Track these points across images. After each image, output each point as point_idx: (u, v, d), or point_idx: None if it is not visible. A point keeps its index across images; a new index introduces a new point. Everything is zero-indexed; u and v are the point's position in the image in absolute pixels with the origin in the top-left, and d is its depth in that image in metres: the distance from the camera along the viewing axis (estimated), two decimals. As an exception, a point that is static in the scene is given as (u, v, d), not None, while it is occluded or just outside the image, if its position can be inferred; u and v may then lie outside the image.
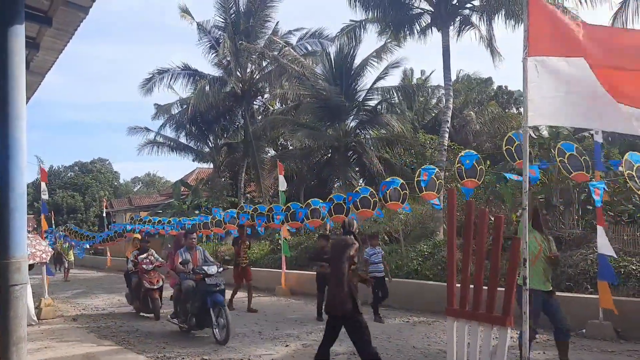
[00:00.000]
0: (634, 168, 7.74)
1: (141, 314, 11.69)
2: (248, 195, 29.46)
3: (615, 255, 8.77)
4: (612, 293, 8.05)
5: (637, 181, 7.69)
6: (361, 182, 24.77)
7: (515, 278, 4.36)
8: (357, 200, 12.36)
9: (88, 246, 25.41)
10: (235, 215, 16.69)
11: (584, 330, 8.11)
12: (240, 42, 25.41)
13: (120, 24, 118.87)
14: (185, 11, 26.58)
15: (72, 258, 24.76)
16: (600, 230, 8.20)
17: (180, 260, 9.19)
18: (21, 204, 3.85)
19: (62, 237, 25.49)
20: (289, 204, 15.07)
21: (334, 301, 5.61)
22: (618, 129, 4.51)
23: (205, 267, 8.76)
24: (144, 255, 11.70)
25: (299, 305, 12.76)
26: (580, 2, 17.91)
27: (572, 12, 18.06)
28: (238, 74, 26.64)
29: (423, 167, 11.57)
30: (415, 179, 11.11)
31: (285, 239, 15.40)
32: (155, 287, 11.15)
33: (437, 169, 11.84)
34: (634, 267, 9.58)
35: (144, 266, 11.39)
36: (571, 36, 4.38)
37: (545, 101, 4.27)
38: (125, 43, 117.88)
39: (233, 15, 26.50)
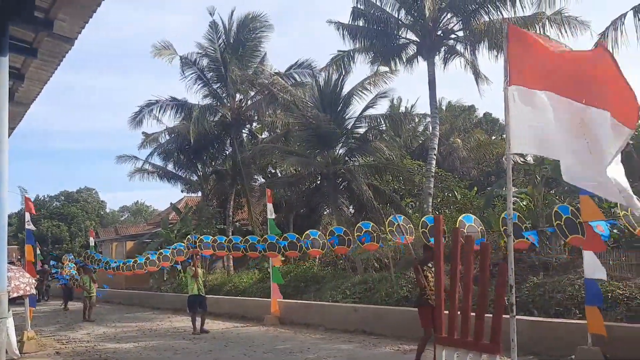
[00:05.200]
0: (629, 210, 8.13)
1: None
2: (237, 223, 29.34)
3: (605, 278, 8.85)
4: (600, 318, 8.09)
5: (631, 217, 8.21)
6: (351, 209, 24.80)
7: (503, 304, 4.40)
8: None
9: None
10: (224, 242, 16.75)
11: (573, 357, 8.11)
12: (228, 71, 25.64)
13: (112, 53, 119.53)
14: (164, 47, 26.61)
15: (94, 292, 18.79)
16: (588, 254, 8.28)
17: None
18: (1, 236, 3.77)
19: (81, 265, 21.38)
20: (285, 235, 15.29)
21: None
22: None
23: None
24: None
25: (289, 335, 12.63)
26: (561, 33, 18.46)
27: (554, 41, 18.51)
28: (227, 102, 26.83)
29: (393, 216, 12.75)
30: (387, 228, 12.20)
31: (276, 267, 15.32)
32: None
33: (403, 217, 12.82)
34: (620, 292, 9.65)
35: None
36: (549, 69, 4.49)
37: (525, 130, 4.37)
38: (115, 73, 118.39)
39: (222, 45, 26.79)
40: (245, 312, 16.78)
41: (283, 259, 16.30)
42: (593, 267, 8.13)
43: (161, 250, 19.89)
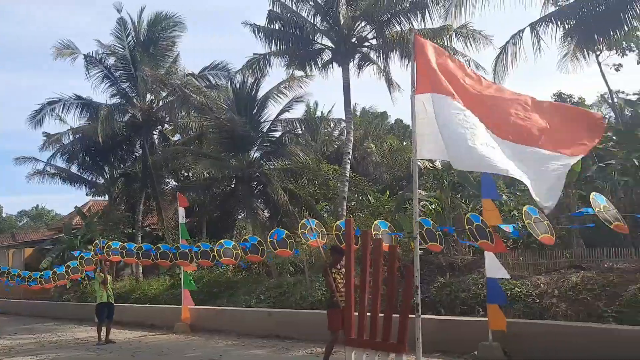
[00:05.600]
0: (532, 218, 8.93)
1: None
2: (147, 227, 28.29)
3: (509, 277, 9.42)
4: (500, 315, 8.57)
5: (537, 229, 8.85)
6: (266, 213, 24.69)
7: (410, 305, 4.52)
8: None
9: None
10: (134, 249, 16.08)
11: (475, 353, 8.52)
12: (138, 70, 24.70)
13: (13, 48, 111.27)
14: (65, 47, 25.26)
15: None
16: (489, 255, 8.78)
17: None
18: None
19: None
20: (199, 243, 14.91)
21: None
22: (494, 171, 4.82)
23: None
24: None
25: (200, 343, 12.31)
26: (467, 45, 19.49)
27: (459, 53, 19.56)
28: (137, 102, 25.82)
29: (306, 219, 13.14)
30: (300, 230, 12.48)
31: (187, 272, 14.92)
32: None
33: (316, 221, 13.16)
34: (518, 290, 10.27)
35: None
36: (454, 78, 4.71)
37: (431, 137, 4.55)
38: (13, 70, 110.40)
39: (131, 43, 25.77)
40: (154, 320, 16.19)
41: (195, 264, 15.92)
42: (494, 267, 8.61)
43: (68, 263, 18.67)
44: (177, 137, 29.18)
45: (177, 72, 26.24)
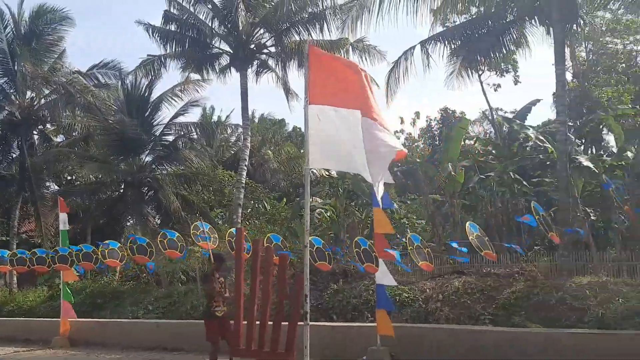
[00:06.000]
0: (414, 245, 9.67)
1: None
2: (23, 235, 26.06)
3: (396, 284, 9.78)
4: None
5: (417, 256, 9.61)
6: (157, 219, 23.77)
7: (299, 313, 4.50)
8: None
9: None
10: (7, 256, 14.74)
11: (364, 357, 8.73)
12: (18, 65, 22.81)
13: None
14: None
15: None
16: (380, 262, 9.06)
17: None
18: None
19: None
20: (81, 245, 13.95)
21: None
22: (389, 180, 4.96)
23: None
24: None
25: (80, 357, 11.51)
26: (362, 59, 20.15)
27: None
28: (15, 99, 23.78)
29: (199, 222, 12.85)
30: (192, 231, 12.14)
31: (67, 283, 13.90)
32: None
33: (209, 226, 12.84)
34: (406, 296, 10.70)
35: None
36: (348, 89, 4.80)
37: (323, 146, 4.59)
38: None
39: (10, 35, 23.74)
40: (29, 334, 14.87)
41: (78, 274, 14.90)
42: (383, 273, 8.89)
43: None
44: (60, 138, 27.19)
45: (63, 69, 24.55)
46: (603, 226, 15.81)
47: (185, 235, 13.88)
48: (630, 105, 19.61)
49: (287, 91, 22.11)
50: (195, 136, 24.45)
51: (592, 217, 15.56)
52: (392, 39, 52.79)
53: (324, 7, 19.37)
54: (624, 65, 24.24)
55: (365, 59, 20.55)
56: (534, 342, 8.02)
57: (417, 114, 33.48)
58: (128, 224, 24.56)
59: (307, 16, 20.19)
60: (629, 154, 14.48)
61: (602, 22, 22.45)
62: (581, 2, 15.14)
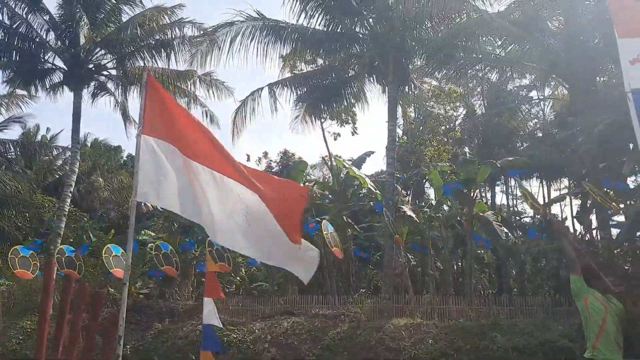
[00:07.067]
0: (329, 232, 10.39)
1: None
2: None
3: (220, 325, 9.48)
4: (216, 361, 8.55)
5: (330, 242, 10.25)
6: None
7: (110, 356, 4.10)
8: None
9: None
10: None
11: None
12: None
13: None
14: None
15: None
16: (207, 301, 8.74)
17: None
18: None
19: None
20: None
21: None
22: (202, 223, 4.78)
23: None
24: None
25: None
26: (209, 93, 20.00)
27: (200, 100, 19.93)
28: None
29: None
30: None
31: None
32: None
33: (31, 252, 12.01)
34: (235, 336, 10.49)
35: None
36: (178, 126, 4.67)
37: (152, 180, 4.38)
38: None
39: None
40: None
41: None
42: (210, 314, 8.61)
43: None
44: None
45: None
46: (421, 271, 17.29)
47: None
48: (448, 164, 21.97)
49: (126, 117, 20.92)
50: (14, 156, 21.93)
51: (413, 262, 16.94)
52: (243, 78, 53.52)
53: (173, 37, 18.88)
54: (444, 127, 27.29)
55: (213, 93, 20.33)
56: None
57: (265, 154, 33.87)
58: None
59: (154, 43, 19.47)
60: (445, 207, 16.19)
61: (429, 87, 25.09)
62: (412, 68, 16.87)
